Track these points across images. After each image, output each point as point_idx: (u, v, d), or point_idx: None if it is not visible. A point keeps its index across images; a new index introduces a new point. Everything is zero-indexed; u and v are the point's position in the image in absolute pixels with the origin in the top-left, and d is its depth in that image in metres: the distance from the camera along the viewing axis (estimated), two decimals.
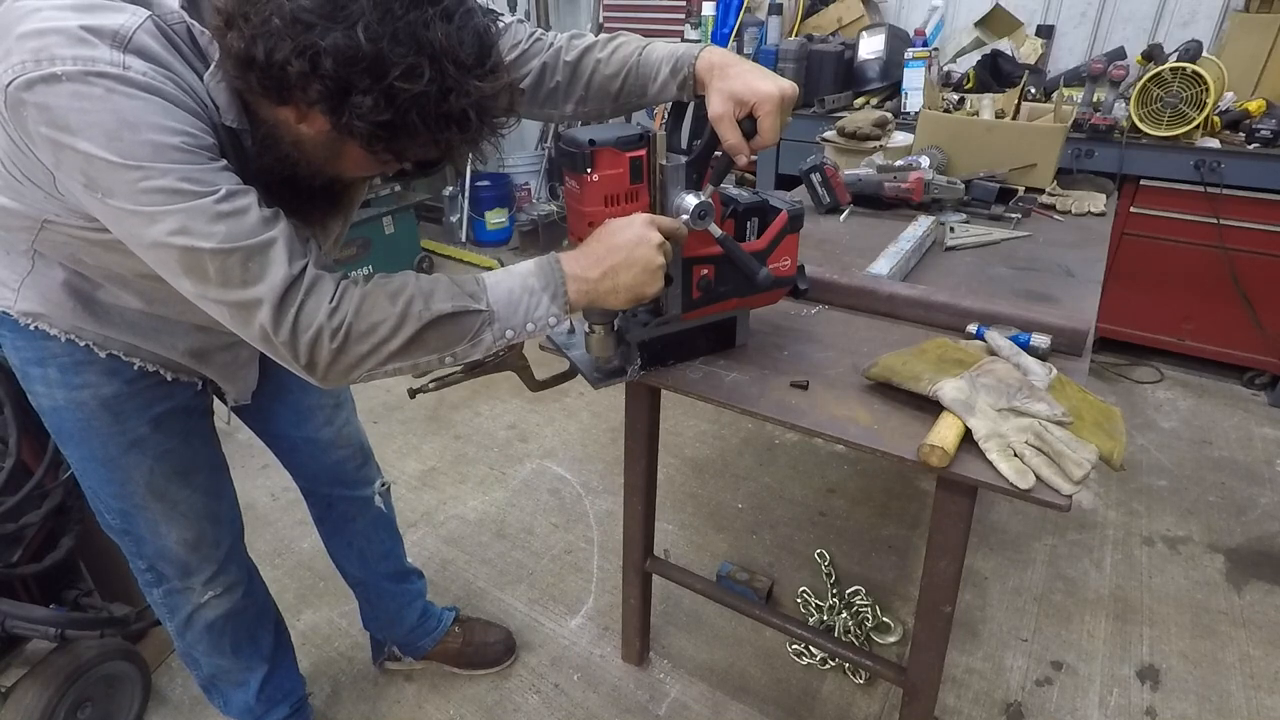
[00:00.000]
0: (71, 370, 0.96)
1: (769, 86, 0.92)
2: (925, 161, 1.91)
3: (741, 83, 0.93)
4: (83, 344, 0.94)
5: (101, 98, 0.64)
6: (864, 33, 3.12)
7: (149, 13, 0.69)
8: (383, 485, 1.44)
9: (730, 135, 0.94)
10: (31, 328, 0.93)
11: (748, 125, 0.94)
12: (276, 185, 0.80)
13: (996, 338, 1.10)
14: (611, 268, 0.87)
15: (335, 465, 1.33)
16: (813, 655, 1.67)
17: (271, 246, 0.72)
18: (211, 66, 0.72)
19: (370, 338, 0.77)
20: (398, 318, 0.77)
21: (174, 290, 0.77)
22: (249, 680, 1.31)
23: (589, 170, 0.90)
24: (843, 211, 1.85)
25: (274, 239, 0.72)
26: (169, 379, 1.03)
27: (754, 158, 0.99)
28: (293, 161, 0.78)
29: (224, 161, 0.73)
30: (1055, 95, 2.31)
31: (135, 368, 0.98)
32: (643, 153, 0.92)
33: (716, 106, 0.94)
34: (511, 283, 0.84)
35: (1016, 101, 2.27)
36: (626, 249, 0.87)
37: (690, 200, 0.96)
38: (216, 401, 1.15)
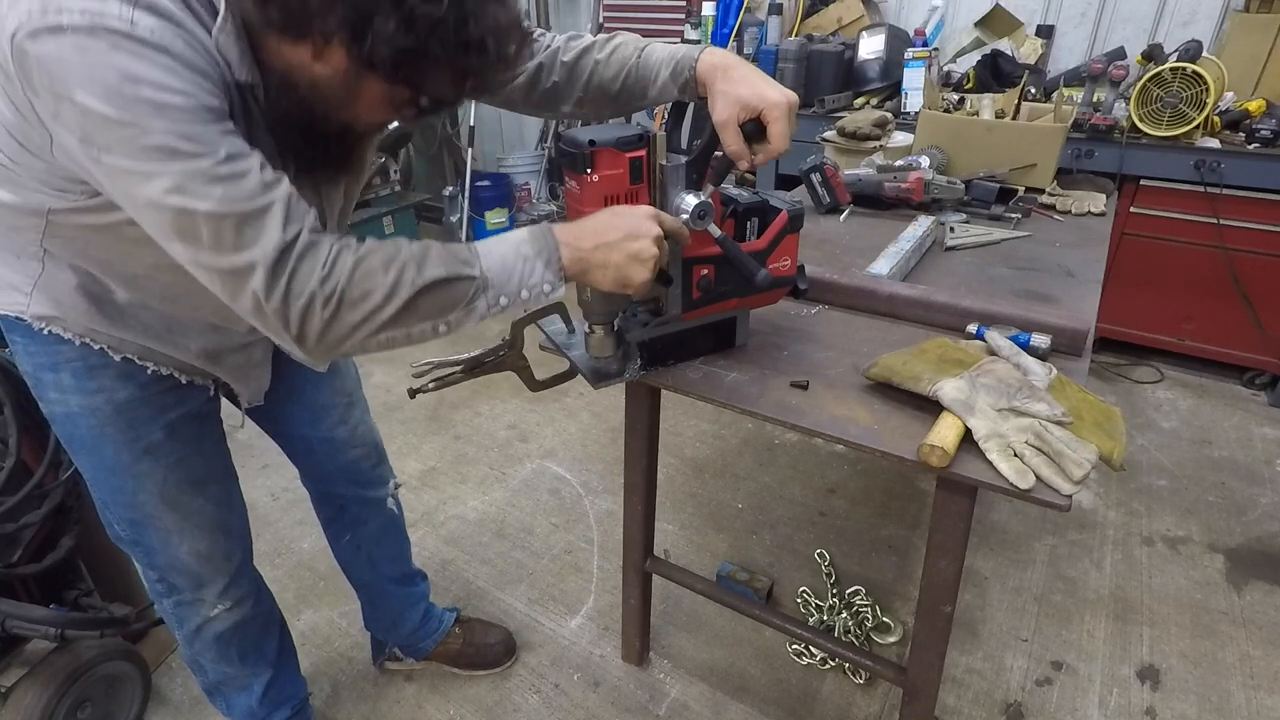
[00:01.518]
0: (85, 374, 0.95)
1: (777, 94, 0.91)
2: (925, 161, 1.91)
3: (748, 88, 0.92)
4: (97, 347, 0.93)
5: (105, 52, 0.63)
6: (864, 33, 3.12)
7: None
8: (396, 486, 1.44)
9: (734, 142, 0.94)
10: (45, 332, 0.91)
11: (750, 128, 0.94)
12: (289, 135, 0.79)
13: (996, 338, 1.10)
14: (605, 243, 0.86)
15: (351, 465, 1.33)
16: (813, 655, 1.67)
17: (268, 212, 0.70)
18: (219, 19, 0.70)
19: (362, 305, 0.75)
20: (390, 285, 0.75)
21: (186, 286, 0.76)
22: (253, 685, 1.30)
23: (589, 170, 0.91)
24: (843, 211, 1.85)
25: (271, 203, 0.71)
26: (183, 382, 1.02)
27: (762, 164, 0.99)
28: (308, 104, 0.76)
29: (230, 125, 0.71)
30: (1055, 95, 2.31)
31: (149, 371, 0.98)
32: (643, 153, 0.92)
33: (721, 112, 0.94)
34: (504, 250, 0.83)
35: (1016, 101, 2.27)
36: (623, 230, 0.86)
37: (690, 200, 0.96)
38: (229, 406, 1.15)
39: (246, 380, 1.09)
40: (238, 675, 1.28)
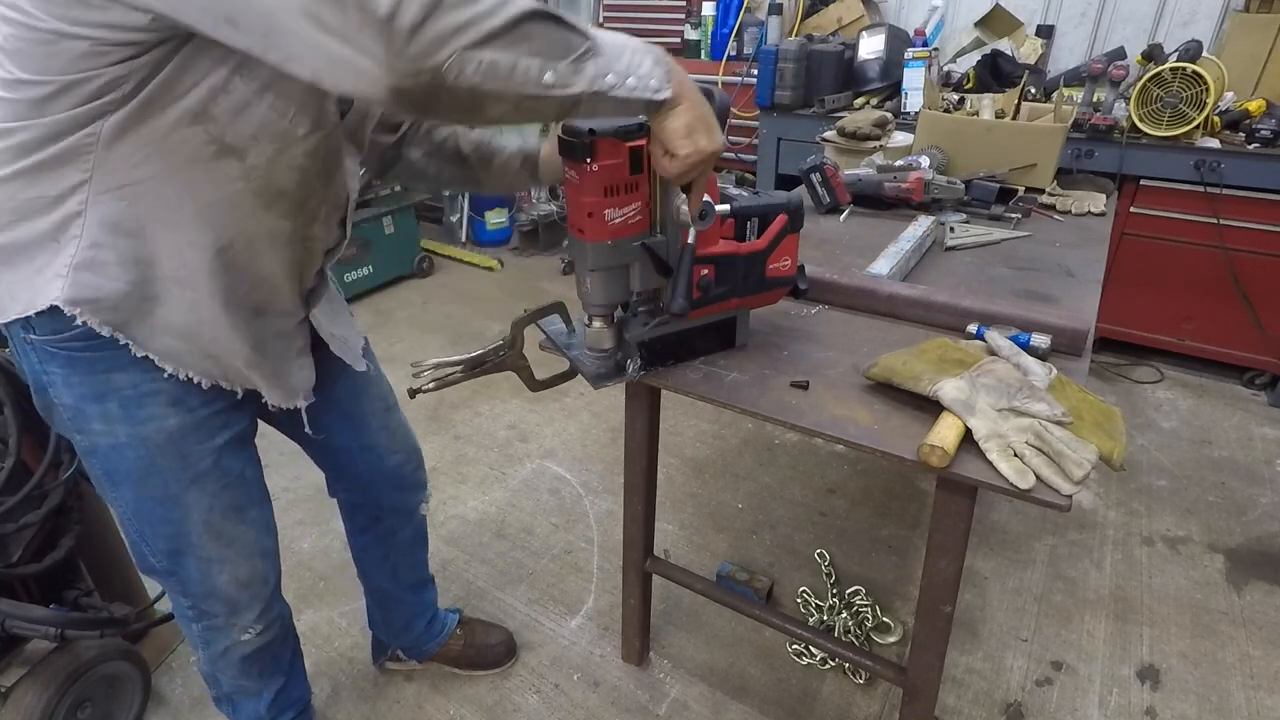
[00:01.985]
0: (135, 403, 0.91)
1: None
2: (925, 161, 1.91)
3: None
4: (141, 354, 0.88)
5: None
6: (864, 33, 3.13)
7: None
8: (429, 493, 1.45)
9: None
10: (79, 322, 0.83)
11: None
12: None
13: (996, 338, 1.10)
14: (698, 96, 0.83)
15: (393, 470, 1.33)
16: (813, 655, 1.67)
17: None
18: None
19: (469, 6, 0.63)
20: None
21: (236, 239, 0.76)
22: (264, 693, 1.29)
23: (589, 160, 0.90)
24: (843, 211, 1.85)
25: None
26: (227, 389, 0.97)
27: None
28: None
29: None
30: (1055, 95, 2.31)
31: (195, 382, 0.93)
32: (643, 143, 0.92)
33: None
34: (613, 37, 0.76)
35: (1016, 101, 2.27)
36: (707, 105, 0.85)
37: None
38: (302, 412, 1.10)
39: (290, 374, 1.03)
40: (252, 687, 1.27)
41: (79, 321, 0.84)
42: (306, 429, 1.11)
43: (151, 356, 0.89)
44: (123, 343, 0.87)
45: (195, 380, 0.93)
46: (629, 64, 0.75)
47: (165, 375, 0.91)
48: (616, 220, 0.96)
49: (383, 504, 1.37)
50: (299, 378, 1.05)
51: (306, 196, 0.91)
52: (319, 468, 1.32)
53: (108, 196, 0.79)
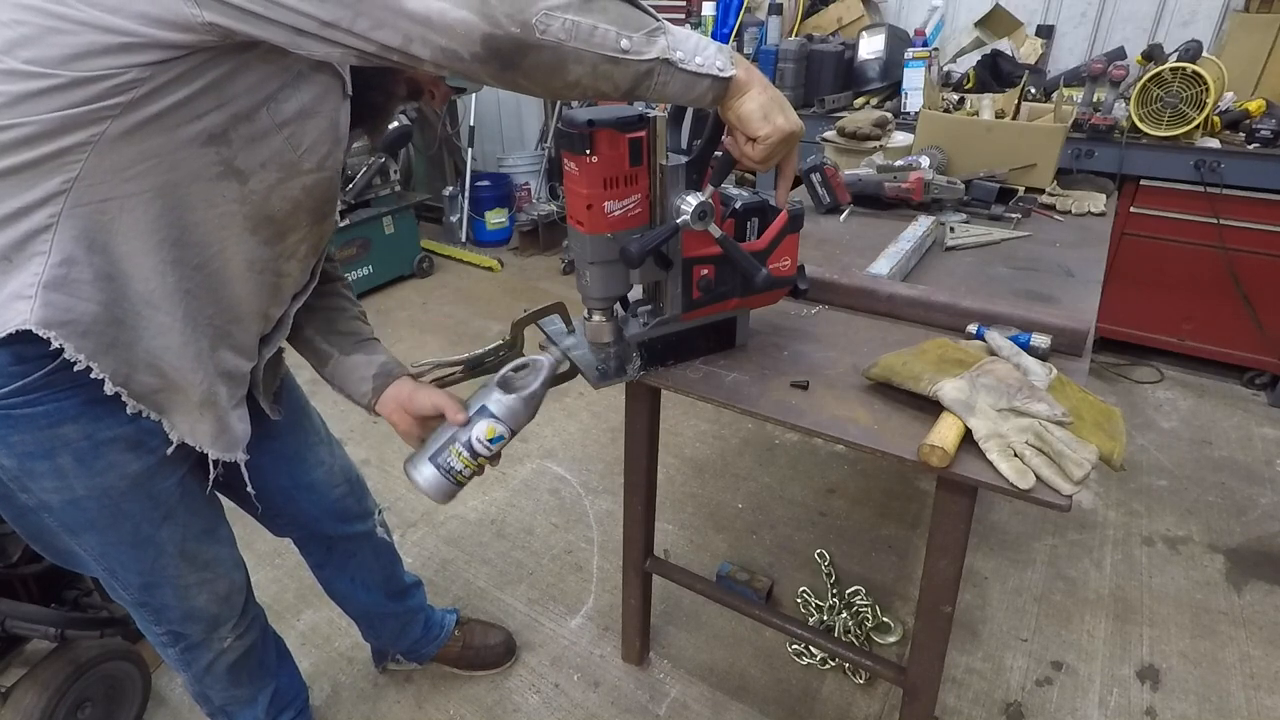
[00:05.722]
0: (90, 454, 0.84)
1: None
2: (925, 161, 1.91)
3: None
4: (111, 390, 0.80)
5: None
6: (864, 33, 3.13)
7: None
8: (380, 513, 1.41)
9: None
10: (55, 345, 0.75)
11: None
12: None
13: (996, 338, 1.10)
14: (766, 81, 0.85)
15: (335, 504, 1.28)
16: (813, 655, 1.67)
17: None
18: None
19: None
20: None
21: (213, 259, 0.75)
22: (259, 698, 1.28)
23: (588, 151, 0.89)
24: (843, 211, 1.85)
25: None
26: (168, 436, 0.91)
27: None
28: None
29: None
30: (1055, 95, 2.32)
31: (151, 418, 0.87)
32: (643, 134, 0.92)
33: None
34: (680, 28, 0.80)
35: (1016, 101, 2.27)
36: (776, 90, 0.86)
37: (690, 200, 0.95)
38: (242, 466, 1.03)
39: (231, 424, 0.96)
40: (244, 694, 1.26)
41: (56, 345, 0.75)
42: (249, 487, 1.04)
43: (120, 393, 0.82)
44: (95, 375, 0.79)
45: (155, 419, 0.88)
46: (696, 45, 0.79)
47: (123, 419, 0.85)
48: (616, 213, 0.95)
49: (332, 535, 1.33)
50: (238, 429, 0.98)
51: (291, 229, 0.90)
52: (255, 517, 1.24)
53: (86, 210, 0.73)
